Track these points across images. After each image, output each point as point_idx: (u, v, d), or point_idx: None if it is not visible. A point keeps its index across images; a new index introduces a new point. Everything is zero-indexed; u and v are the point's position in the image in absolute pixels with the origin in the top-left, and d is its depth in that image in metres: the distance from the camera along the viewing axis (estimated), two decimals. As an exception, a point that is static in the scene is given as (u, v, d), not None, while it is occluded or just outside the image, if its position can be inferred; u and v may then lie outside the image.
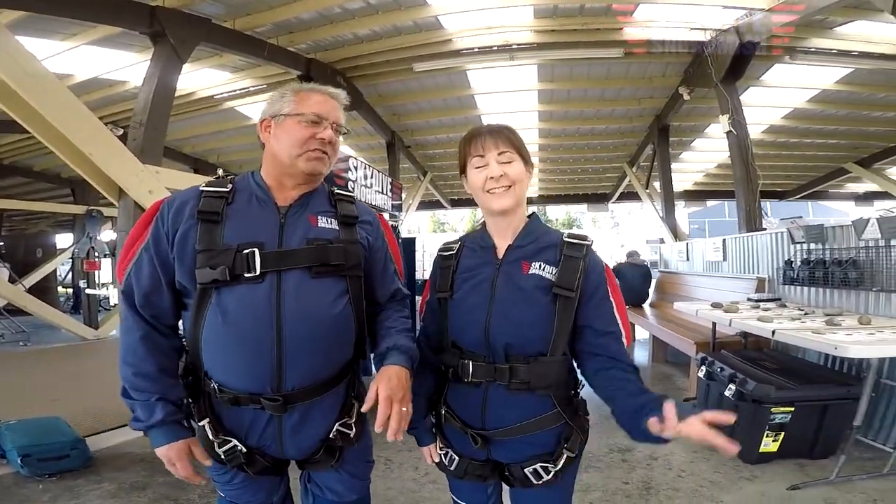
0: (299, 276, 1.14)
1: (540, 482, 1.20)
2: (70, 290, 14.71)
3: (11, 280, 10.37)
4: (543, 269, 1.18)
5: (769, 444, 2.87)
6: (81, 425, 3.62)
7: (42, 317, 9.22)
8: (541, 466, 1.20)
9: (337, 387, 1.22)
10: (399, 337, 1.23)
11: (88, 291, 10.61)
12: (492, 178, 1.18)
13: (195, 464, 1.19)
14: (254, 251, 1.11)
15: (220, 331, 1.11)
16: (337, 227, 1.22)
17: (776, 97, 7.91)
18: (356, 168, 6.52)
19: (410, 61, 6.15)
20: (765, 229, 5.53)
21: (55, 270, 13.74)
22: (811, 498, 2.54)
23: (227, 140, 9.54)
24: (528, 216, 1.28)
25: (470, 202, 14.48)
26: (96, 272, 10.97)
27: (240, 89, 7.10)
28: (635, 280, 6.69)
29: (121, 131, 6.85)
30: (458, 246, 1.31)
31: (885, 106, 8.09)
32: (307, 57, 6.16)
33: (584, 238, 1.22)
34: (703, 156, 11.21)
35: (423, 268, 9.37)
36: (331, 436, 1.22)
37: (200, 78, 6.84)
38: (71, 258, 12.53)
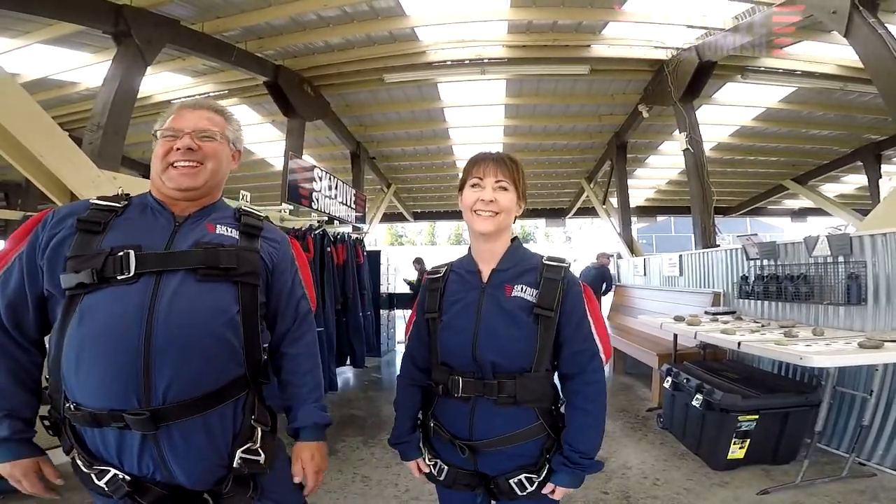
0: (182, 279, 1.05)
1: (524, 493, 1.26)
2: None
3: None
4: (525, 291, 1.26)
5: (736, 451, 3.02)
6: None
7: None
8: (525, 477, 1.26)
9: (222, 406, 1.08)
10: (310, 409, 1.26)
11: None
12: (482, 200, 1.25)
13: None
14: (128, 252, 1.03)
15: (81, 338, 0.99)
16: (236, 237, 1.17)
17: (726, 115, 8.35)
18: (320, 178, 6.42)
19: (382, 72, 6.15)
20: (718, 246, 5.81)
21: None
22: (781, 501, 2.68)
23: None
24: (512, 240, 1.36)
25: (432, 216, 14.59)
26: None
27: (200, 94, 6.86)
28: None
29: (66, 135, 6.48)
30: (444, 270, 1.38)
31: (822, 124, 8.69)
32: (275, 63, 6.06)
33: (562, 261, 1.30)
34: (656, 172, 11.66)
35: (387, 282, 9.24)
36: (235, 465, 1.10)
37: (159, 81, 6.62)
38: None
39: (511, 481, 1.26)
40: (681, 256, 5.94)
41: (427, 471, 1.39)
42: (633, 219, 15.00)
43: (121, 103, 4.31)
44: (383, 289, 8.81)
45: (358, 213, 7.82)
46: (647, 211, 14.99)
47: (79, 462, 1.04)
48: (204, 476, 1.07)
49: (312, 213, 6.28)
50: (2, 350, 1.07)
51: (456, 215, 14.56)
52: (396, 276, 9.87)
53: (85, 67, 5.90)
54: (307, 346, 1.31)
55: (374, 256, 8.55)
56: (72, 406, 1.01)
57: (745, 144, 9.68)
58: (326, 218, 6.54)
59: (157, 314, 1.00)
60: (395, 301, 9.49)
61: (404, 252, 17.12)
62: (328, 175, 6.71)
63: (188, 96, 6.93)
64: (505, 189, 1.27)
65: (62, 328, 1.02)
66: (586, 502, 2.72)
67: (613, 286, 7.53)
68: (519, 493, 1.26)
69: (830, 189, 12.74)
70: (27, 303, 1.07)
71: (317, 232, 5.73)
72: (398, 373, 1.48)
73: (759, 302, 4.26)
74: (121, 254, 1.02)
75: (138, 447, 1.01)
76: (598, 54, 5.93)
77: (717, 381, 3.25)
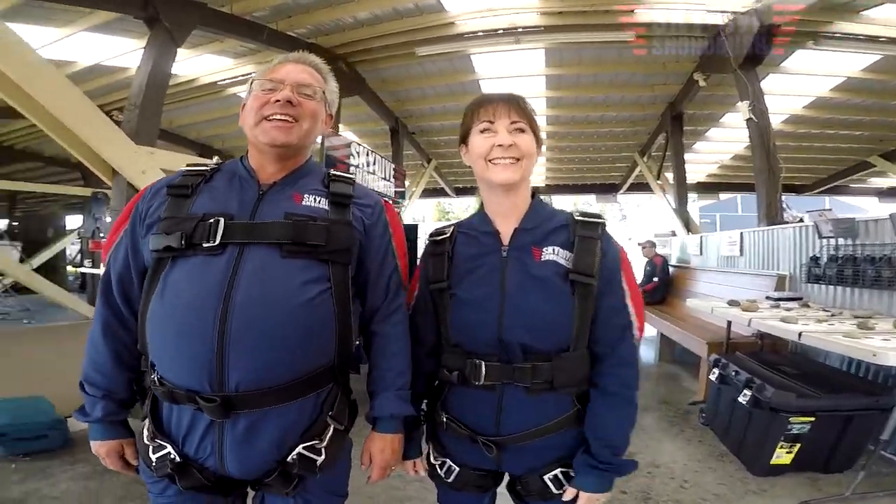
0: (266, 254, 0.97)
1: (562, 490, 1.07)
2: (78, 270, 15.03)
3: (21, 259, 10.59)
4: (557, 254, 1.06)
5: (782, 456, 2.68)
6: (67, 405, 3.48)
7: (46, 294, 9.37)
8: (562, 471, 1.08)
9: (304, 398, 1.00)
10: (390, 398, 1.10)
11: (92, 270, 10.74)
12: (499, 145, 1.05)
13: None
14: (219, 219, 0.97)
15: (162, 310, 0.96)
16: (326, 207, 1.06)
17: (798, 85, 7.57)
18: (359, 154, 6.44)
19: (412, 45, 5.97)
20: (787, 223, 5.24)
21: (64, 250, 14.06)
22: (819, 516, 2.39)
23: (231, 126, 9.46)
24: (532, 195, 1.15)
25: (475, 190, 14.32)
26: (100, 252, 11.13)
27: (242, 75, 7.00)
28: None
29: (105, 117, 6.86)
30: (451, 231, 1.16)
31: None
32: (307, 41, 6.02)
33: (598, 216, 1.10)
34: (718, 146, 10.85)
35: (425, 256, 9.30)
36: (289, 459, 1.00)
37: (202, 64, 6.79)
38: (79, 238, 12.75)
39: (546, 478, 1.08)
40: (742, 234, 5.43)
41: (423, 473, 1.22)
42: (693, 196, 14.22)
43: (154, 84, 4.47)
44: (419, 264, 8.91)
45: (398, 188, 7.86)
46: (708, 187, 14.02)
47: (144, 432, 1.03)
48: (255, 469, 1.00)
49: None
50: (109, 329, 1.07)
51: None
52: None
53: (131, 53, 6.11)
54: (397, 325, 1.14)
55: (411, 230, 8.62)
56: (156, 378, 0.99)
57: (822, 117, 8.75)
58: None
59: (236, 294, 0.93)
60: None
61: (450, 229, 17.15)
62: (367, 151, 6.74)
63: (232, 77, 7.12)
64: (523, 131, 1.07)
65: (147, 300, 0.99)
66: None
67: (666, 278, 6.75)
68: (555, 490, 1.08)
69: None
70: (132, 276, 1.06)
71: None
72: None
73: (830, 287, 3.77)
74: (211, 220, 0.97)
75: (203, 430, 0.97)
76: (644, 20, 5.44)
77: (770, 376, 2.87)
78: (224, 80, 7.16)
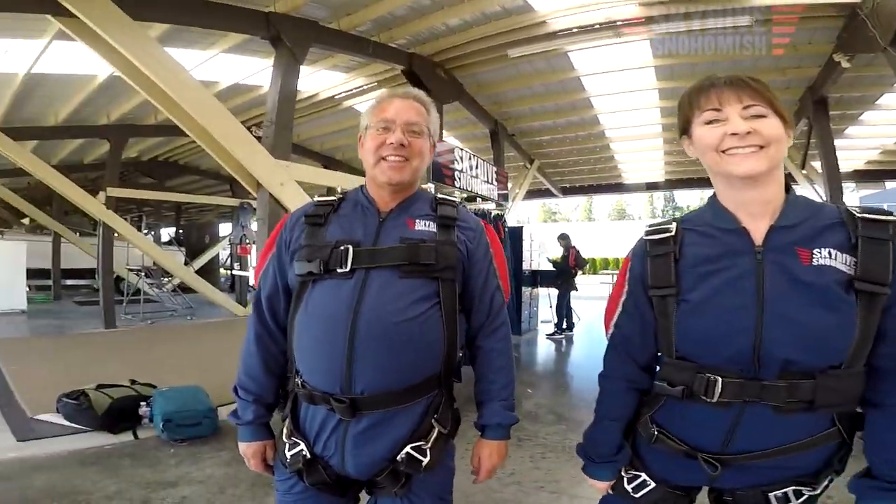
0: (387, 275, 1.11)
1: None
2: (229, 272, 17.55)
3: (185, 262, 12.58)
4: (835, 259, 0.90)
5: None
6: (218, 395, 3.88)
7: (204, 294, 10.96)
8: (793, 490, 0.98)
9: (414, 402, 1.13)
10: (496, 408, 1.23)
11: (240, 273, 12.43)
12: (734, 134, 0.92)
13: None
14: (348, 247, 1.13)
15: (305, 324, 1.14)
16: (434, 230, 1.19)
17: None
18: (462, 158, 6.65)
19: (504, 48, 5.93)
20: None
21: (218, 255, 16.41)
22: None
23: (349, 137, 10.13)
24: (786, 189, 0.99)
25: (585, 190, 13.83)
26: (247, 256, 12.80)
27: (354, 88, 7.49)
28: None
29: (261, 133, 7.79)
30: (674, 228, 1.04)
31: None
32: (408, 52, 6.27)
33: (888, 213, 0.93)
34: (877, 130, 9.28)
35: (531, 258, 9.18)
36: (398, 458, 1.12)
37: (320, 80, 7.33)
38: (229, 244, 14.81)
39: (773, 494, 0.99)
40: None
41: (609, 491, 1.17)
42: (850, 185, 12.18)
43: (285, 100, 4.85)
44: (525, 265, 8.82)
45: (500, 190, 7.92)
46: (869, 175, 12.06)
47: (283, 430, 1.21)
48: (369, 468, 1.14)
49: (455, 192, 6.57)
50: (261, 342, 1.24)
51: (614, 188, 13.56)
52: (541, 254, 9.78)
53: (262, 72, 6.73)
54: (500, 340, 1.25)
55: (517, 233, 8.59)
56: (299, 382, 1.17)
57: None
58: (466, 195, 6.79)
59: (362, 310, 1.08)
60: (540, 278, 9.42)
61: (556, 229, 16.66)
62: (469, 155, 6.93)
63: (345, 91, 7.62)
64: (762, 116, 0.92)
65: (294, 311, 1.18)
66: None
67: None
68: None
69: None
70: (280, 296, 1.23)
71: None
72: (602, 371, 1.18)
73: None
74: (342, 248, 1.12)
75: (331, 428, 1.13)
76: (761, 3, 4.86)
77: None
78: (339, 93, 7.67)
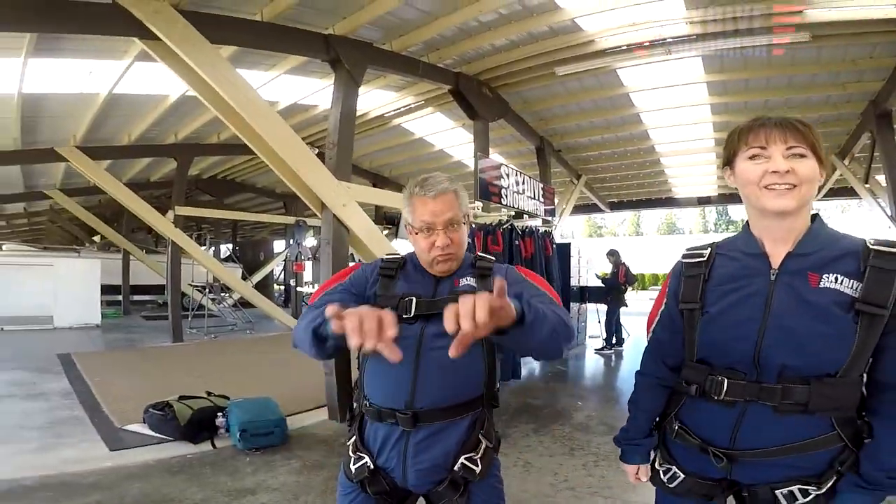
0: (438, 321, 1.28)
1: None
2: (282, 287, 18.20)
3: (243, 278, 13.18)
4: (841, 283, 1.04)
5: None
6: (283, 407, 4.13)
7: (263, 309, 11.41)
8: (799, 489, 1.08)
9: (461, 418, 1.36)
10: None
11: (302, 289, 12.95)
12: (774, 171, 1.04)
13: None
14: (412, 299, 1.35)
15: (375, 358, 1.33)
16: (475, 283, 1.40)
17: None
18: (508, 175, 6.74)
19: (551, 66, 6.00)
20: None
21: (272, 271, 17.07)
22: None
23: (397, 155, 10.49)
24: (812, 218, 1.12)
25: (634, 205, 13.56)
26: (302, 272, 13.28)
27: (403, 107, 7.70)
28: None
29: (315, 151, 8.10)
30: (708, 253, 1.22)
31: None
32: (454, 71, 6.43)
33: None
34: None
35: (579, 273, 9.12)
36: (455, 468, 1.34)
37: (371, 99, 7.56)
38: (283, 261, 15.40)
39: (779, 492, 1.09)
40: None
41: (645, 479, 1.34)
42: None
43: (346, 122, 5.01)
44: (573, 281, 8.77)
45: (547, 206, 7.95)
46: None
47: (350, 446, 1.42)
48: (427, 477, 1.35)
49: (502, 209, 6.66)
50: (310, 325, 1.36)
51: (664, 203, 13.27)
52: (589, 269, 9.68)
53: (317, 92, 7.08)
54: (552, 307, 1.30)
55: (564, 249, 8.59)
56: (367, 402, 1.40)
57: None
58: (514, 213, 6.87)
59: (423, 348, 1.33)
60: (588, 294, 9.33)
61: (603, 244, 16.38)
62: (515, 171, 7.02)
63: (395, 109, 7.86)
64: (803, 156, 1.04)
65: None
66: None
67: None
68: None
69: None
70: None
71: (505, 226, 6.14)
72: (639, 369, 1.38)
73: None
74: (407, 299, 1.35)
75: (394, 442, 1.35)
76: (816, 19, 4.73)
77: None
78: (389, 112, 7.89)
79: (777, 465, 1.09)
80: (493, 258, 1.49)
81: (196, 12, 4.17)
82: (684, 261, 1.24)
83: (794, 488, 1.07)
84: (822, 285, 1.04)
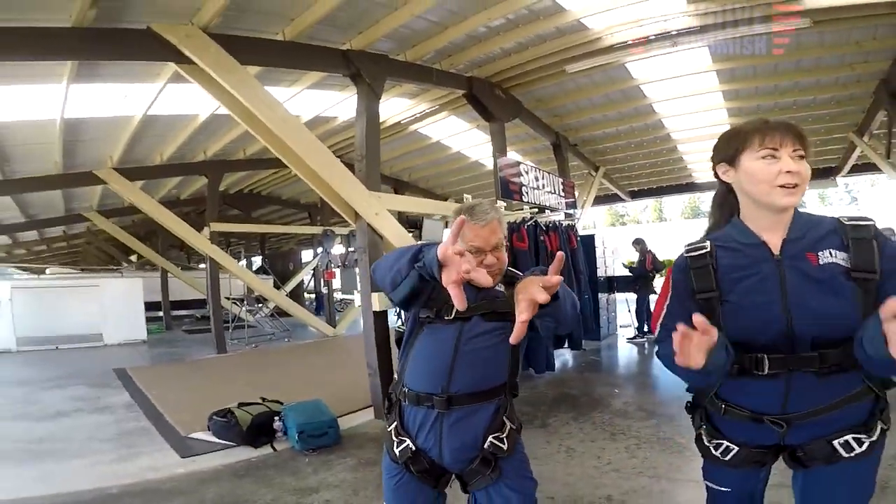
0: (476, 320, 1.55)
1: (851, 454, 1.21)
2: (313, 296, 18.67)
3: (276, 287, 13.58)
4: (836, 256, 1.19)
5: None
6: (332, 408, 4.32)
7: (298, 317, 11.83)
8: (853, 438, 1.21)
9: (489, 402, 1.56)
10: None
11: (340, 296, 13.20)
12: (788, 172, 1.17)
13: None
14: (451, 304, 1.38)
15: (418, 349, 1.59)
16: (502, 289, 1.58)
17: None
18: (526, 172, 6.86)
19: (561, 64, 6.15)
20: None
21: (302, 280, 17.51)
22: None
23: (415, 159, 10.72)
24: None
25: (654, 192, 13.51)
26: (332, 280, 13.60)
27: (419, 113, 7.92)
28: None
29: (341, 164, 8.21)
30: (709, 245, 1.32)
31: None
32: (467, 76, 6.61)
33: (866, 219, 1.22)
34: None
35: (605, 264, 9.19)
36: (485, 446, 1.53)
37: (388, 107, 7.70)
38: (313, 269, 15.80)
39: (836, 442, 1.21)
40: None
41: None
42: None
43: (371, 134, 5.20)
44: (600, 272, 8.86)
45: (568, 200, 8.04)
46: None
47: (392, 431, 1.62)
48: (461, 455, 1.54)
49: (524, 206, 6.81)
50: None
51: (685, 189, 13.20)
52: (615, 259, 9.73)
53: (337, 105, 7.32)
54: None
55: (589, 240, 8.66)
56: (405, 389, 1.59)
57: None
58: (537, 209, 7.01)
59: (461, 341, 1.54)
60: (616, 284, 9.40)
61: (626, 232, 16.26)
62: (534, 168, 7.14)
63: (411, 116, 8.03)
64: (803, 157, 1.20)
65: (413, 340, 1.62)
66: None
67: None
68: (844, 454, 1.21)
69: None
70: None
71: (529, 223, 6.28)
72: (657, 354, 1.41)
73: None
74: (448, 304, 1.49)
75: (430, 424, 1.55)
76: (815, 5, 4.82)
77: None
78: (405, 118, 8.10)
79: (827, 420, 1.20)
80: (517, 272, 1.63)
81: (224, 35, 4.37)
82: (688, 255, 1.33)
83: (849, 437, 1.20)
84: (822, 262, 1.18)
